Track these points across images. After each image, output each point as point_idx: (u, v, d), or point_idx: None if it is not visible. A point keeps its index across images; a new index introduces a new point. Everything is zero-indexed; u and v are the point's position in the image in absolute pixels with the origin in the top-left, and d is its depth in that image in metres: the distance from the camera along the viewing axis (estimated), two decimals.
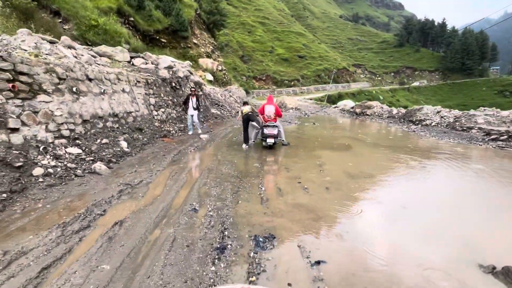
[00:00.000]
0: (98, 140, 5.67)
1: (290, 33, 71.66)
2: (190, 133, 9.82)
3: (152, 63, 12.35)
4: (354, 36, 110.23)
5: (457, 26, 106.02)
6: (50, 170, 4.21)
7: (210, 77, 28.52)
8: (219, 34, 40.19)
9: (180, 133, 9.54)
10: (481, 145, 8.21)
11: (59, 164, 4.44)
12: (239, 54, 53.17)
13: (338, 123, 15.78)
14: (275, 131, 7.41)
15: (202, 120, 13.62)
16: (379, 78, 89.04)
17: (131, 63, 11.77)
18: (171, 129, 9.46)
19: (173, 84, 11.62)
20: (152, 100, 9.31)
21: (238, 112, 9.00)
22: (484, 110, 10.79)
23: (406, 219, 3.43)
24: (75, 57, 6.68)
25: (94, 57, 7.98)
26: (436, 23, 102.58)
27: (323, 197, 3.98)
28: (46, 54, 5.72)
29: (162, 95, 10.21)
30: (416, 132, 10.99)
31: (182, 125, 10.50)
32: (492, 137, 8.53)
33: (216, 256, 2.50)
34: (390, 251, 2.72)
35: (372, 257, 2.56)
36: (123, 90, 7.54)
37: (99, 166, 4.75)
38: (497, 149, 7.68)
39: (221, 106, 18.75)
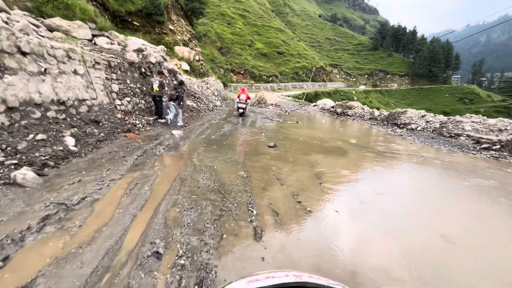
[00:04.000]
0: (31, 136, 4.20)
1: (270, 28, 70.63)
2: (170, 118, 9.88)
3: (118, 44, 10.65)
4: (332, 36, 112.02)
5: (426, 34, 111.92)
6: None
7: (186, 67, 26.77)
8: (197, 23, 38.09)
9: (148, 127, 8.11)
10: (474, 154, 7.82)
11: None
12: (218, 46, 51.16)
13: (321, 122, 15.10)
14: (244, 105, 13.07)
15: (184, 112, 12.17)
16: (353, 79, 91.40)
17: (93, 42, 10.01)
18: (137, 122, 8.00)
19: (143, 70, 10.05)
20: (115, 87, 7.78)
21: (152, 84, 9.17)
22: (471, 117, 10.65)
23: (441, 257, 2.57)
24: (6, 22, 5.05)
25: (38, 27, 6.31)
26: (408, 30, 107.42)
27: (337, 227, 3.01)
28: None
29: (128, 81, 8.67)
30: (404, 137, 10.55)
31: (151, 118, 9.04)
32: (484, 146, 8.21)
33: None
34: None
35: None
36: (75, 72, 6.00)
37: (22, 174, 3.35)
38: (491, 159, 7.31)
39: (197, 98, 17.28)
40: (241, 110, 12.83)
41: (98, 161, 4.61)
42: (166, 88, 11.17)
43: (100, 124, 6.21)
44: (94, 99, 6.46)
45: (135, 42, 11.41)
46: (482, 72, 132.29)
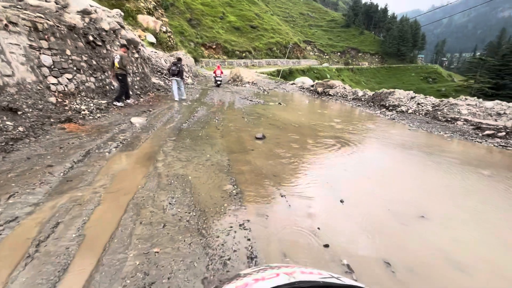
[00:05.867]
0: None
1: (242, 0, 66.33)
2: (176, 98, 10.31)
3: (56, 3, 8.21)
4: (306, 11, 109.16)
5: (396, 13, 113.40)
6: None
7: (152, 39, 23.85)
8: None
9: (98, 114, 6.24)
10: (480, 142, 7.11)
11: None
12: (187, 17, 46.80)
13: (304, 103, 13.89)
14: (220, 78, 17.24)
15: (139, 93, 10.18)
16: (326, 57, 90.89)
17: None
18: (82, 107, 6.09)
19: (91, 38, 7.86)
20: (47, 59, 5.72)
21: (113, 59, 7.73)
22: (466, 99, 10.04)
23: None
24: None
25: None
26: (379, 8, 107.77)
27: None
28: None
29: (68, 52, 6.56)
30: (396, 120, 9.70)
31: (104, 101, 7.10)
32: (487, 132, 7.55)
33: None
34: None
35: None
36: None
37: None
38: (501, 149, 6.62)
39: (165, 75, 15.11)
40: (218, 82, 17.33)
41: (1, 178, 2.91)
42: (128, 66, 9.13)
43: (20, 113, 4.33)
44: (7, 76, 4.48)
45: (79, 1, 8.97)
46: (443, 52, 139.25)
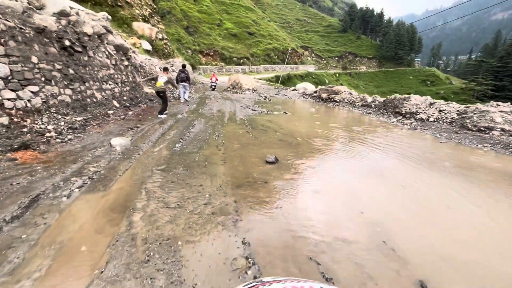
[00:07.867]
0: None
1: (239, 6, 65.98)
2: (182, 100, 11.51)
3: (28, 3, 7.09)
4: (302, 17, 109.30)
5: (392, 17, 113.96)
6: None
7: (148, 46, 22.89)
8: None
9: (70, 136, 5.02)
10: None
11: None
12: (184, 25, 46.03)
13: (310, 111, 12.74)
14: (215, 84, 19.59)
15: (128, 105, 8.99)
16: (324, 62, 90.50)
17: None
18: (50, 127, 4.87)
19: (67, 43, 6.70)
20: (1, 68, 4.54)
21: (152, 79, 9.52)
22: (498, 105, 8.91)
23: None
24: None
25: None
26: (375, 13, 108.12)
27: None
28: None
29: (35, 59, 5.38)
30: (419, 130, 8.56)
31: (80, 118, 5.89)
32: None
33: None
34: None
35: None
36: None
37: None
38: None
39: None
40: (213, 86, 19.53)
41: None
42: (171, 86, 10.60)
43: None
44: None
45: (56, 2, 7.87)
46: (439, 55, 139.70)
